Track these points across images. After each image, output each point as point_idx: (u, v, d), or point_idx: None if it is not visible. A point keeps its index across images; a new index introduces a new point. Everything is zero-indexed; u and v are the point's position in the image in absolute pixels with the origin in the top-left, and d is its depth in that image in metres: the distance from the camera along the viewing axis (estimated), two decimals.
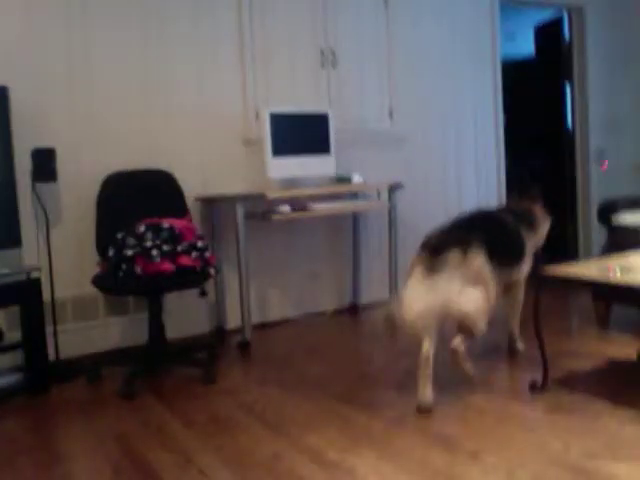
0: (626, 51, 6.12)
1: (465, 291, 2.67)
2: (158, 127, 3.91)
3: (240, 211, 3.67)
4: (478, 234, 2.82)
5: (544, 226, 3.39)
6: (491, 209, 3.35)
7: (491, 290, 2.74)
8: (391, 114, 4.82)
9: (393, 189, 4.25)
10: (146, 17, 3.84)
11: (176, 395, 3.00)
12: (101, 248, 3.39)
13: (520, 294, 3.30)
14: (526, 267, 3.22)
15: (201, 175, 4.05)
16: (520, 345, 3.34)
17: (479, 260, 2.73)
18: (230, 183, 4.14)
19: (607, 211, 3.82)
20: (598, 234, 5.72)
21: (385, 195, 4.34)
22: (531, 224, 3.29)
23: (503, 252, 2.95)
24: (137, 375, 3.20)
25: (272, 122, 3.88)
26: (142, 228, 3.27)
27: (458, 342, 2.69)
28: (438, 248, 2.72)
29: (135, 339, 3.84)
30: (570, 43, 6.01)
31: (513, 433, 2.35)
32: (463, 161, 5.22)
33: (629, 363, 3.07)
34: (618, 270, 2.64)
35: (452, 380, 2.92)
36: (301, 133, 4.03)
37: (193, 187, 3.97)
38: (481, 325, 2.69)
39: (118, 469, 2.26)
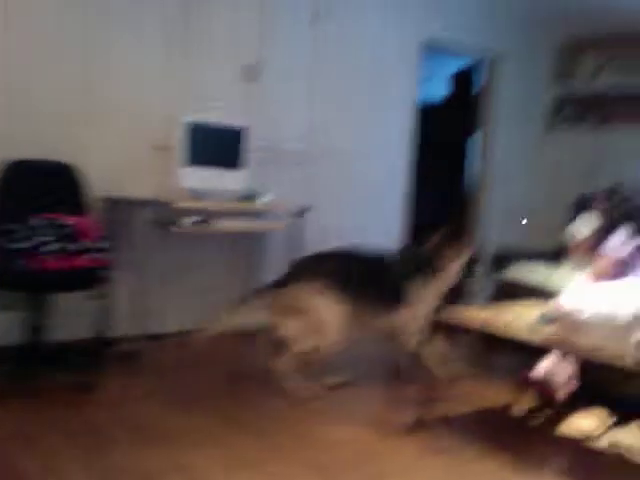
0: (530, 106, 6.44)
1: (288, 319, 3.05)
2: (71, 120, 3.77)
3: (145, 216, 3.59)
4: (322, 271, 3.12)
5: (452, 268, 3.40)
6: (365, 250, 3.37)
7: (319, 319, 3.01)
8: (308, 136, 4.86)
9: (301, 212, 4.28)
10: (69, 8, 3.72)
11: (50, 402, 2.87)
12: None
13: (410, 341, 3.28)
14: (410, 313, 3.23)
15: (109, 174, 3.92)
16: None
17: (309, 293, 3.05)
18: (138, 187, 4.02)
19: (498, 261, 4.00)
20: (485, 283, 5.96)
21: (293, 217, 4.36)
22: (426, 268, 3.32)
23: (360, 293, 3.11)
24: (8, 377, 3.02)
25: (188, 131, 3.83)
26: (39, 222, 3.14)
27: (281, 361, 3.04)
28: (281, 281, 3.17)
29: (14, 337, 3.62)
30: (482, 92, 6.28)
31: (388, 470, 2.40)
32: (372, 191, 5.32)
33: (503, 411, 3.20)
34: (504, 318, 2.77)
35: (334, 411, 2.95)
36: (216, 145, 4.01)
37: (100, 186, 3.83)
38: (300, 347, 3.02)
39: None
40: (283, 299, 3.09)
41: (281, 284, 3.16)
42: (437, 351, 3.23)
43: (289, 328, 3.03)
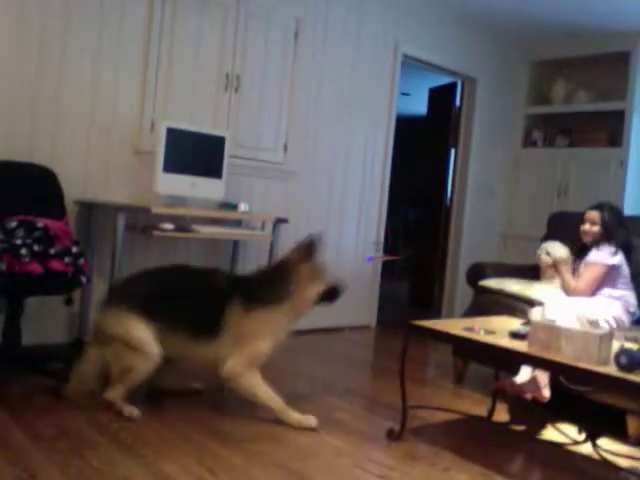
0: (505, 125, 6.58)
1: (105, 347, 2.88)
2: (46, 121, 3.72)
3: (121, 221, 3.54)
4: (131, 293, 2.93)
5: (306, 294, 2.99)
6: (196, 269, 3.18)
7: (129, 343, 2.81)
8: (285, 148, 4.87)
9: (278, 223, 4.28)
10: (48, 4, 3.67)
11: (24, 406, 2.81)
12: None
13: (249, 396, 2.87)
14: (235, 349, 2.84)
15: (84, 178, 3.88)
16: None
17: (106, 320, 2.89)
18: (114, 191, 3.99)
19: (475, 274, 4.04)
20: (462, 294, 6.04)
21: (270, 227, 4.35)
22: (269, 293, 2.93)
23: (172, 317, 2.87)
24: None
25: (167, 136, 3.80)
26: (13, 224, 3.09)
27: (107, 390, 2.86)
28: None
29: None
30: (460, 109, 6.39)
31: (368, 478, 2.40)
32: (347, 204, 5.35)
33: (479, 420, 3.22)
34: (482, 330, 2.79)
35: (320, 422, 2.93)
36: (195, 152, 3.98)
37: (74, 189, 3.78)
38: (115, 371, 2.85)
39: None
40: (97, 326, 2.95)
41: (102, 308, 2.99)
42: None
43: (107, 355, 2.87)
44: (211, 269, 3.24)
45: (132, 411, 2.78)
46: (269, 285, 2.95)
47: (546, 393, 3.05)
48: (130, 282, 3.04)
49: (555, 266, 3.68)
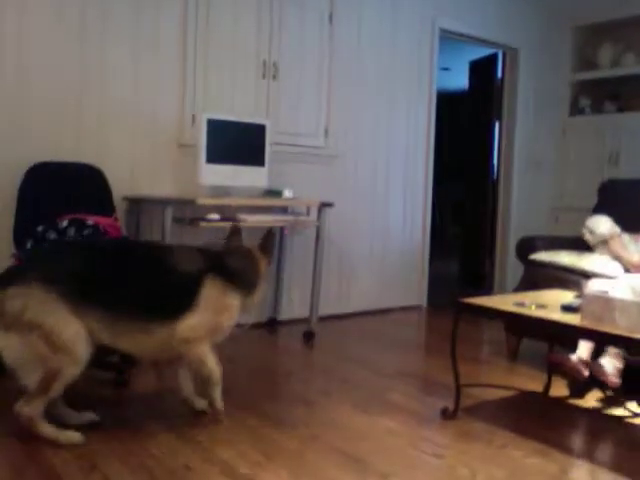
0: (550, 95, 6.42)
1: (9, 336, 2.29)
2: (91, 121, 3.80)
3: (168, 215, 3.60)
4: (39, 269, 2.38)
5: (261, 290, 2.79)
6: (145, 243, 2.89)
7: (50, 338, 2.28)
8: (326, 132, 4.86)
9: (323, 207, 4.28)
10: (86, 8, 3.73)
11: (84, 397, 2.90)
12: (18, 240, 3.25)
13: (196, 362, 2.57)
14: (192, 324, 2.50)
15: (131, 174, 3.96)
16: (199, 404, 2.76)
17: (14, 302, 2.28)
18: (160, 185, 4.07)
19: (526, 248, 3.97)
20: (513, 269, 5.95)
21: (315, 212, 4.36)
22: (249, 282, 2.72)
23: (117, 300, 2.42)
24: None
25: (209, 128, 3.84)
26: (65, 223, 3.17)
27: (21, 404, 2.33)
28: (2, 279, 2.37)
29: None
30: (502, 81, 6.27)
31: (423, 457, 2.40)
32: (392, 184, 5.32)
33: (535, 396, 3.18)
34: (533, 305, 2.75)
35: (367, 401, 2.95)
36: (237, 142, 4.01)
37: (121, 186, 3.86)
38: (31, 379, 2.31)
39: (20, 471, 2.16)
40: (5, 306, 2.28)
41: (3, 282, 2.34)
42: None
43: (12, 350, 2.28)
44: (167, 245, 2.94)
45: (70, 436, 2.38)
46: (242, 271, 2.70)
47: (615, 379, 2.96)
48: (61, 257, 2.47)
49: (602, 242, 3.59)
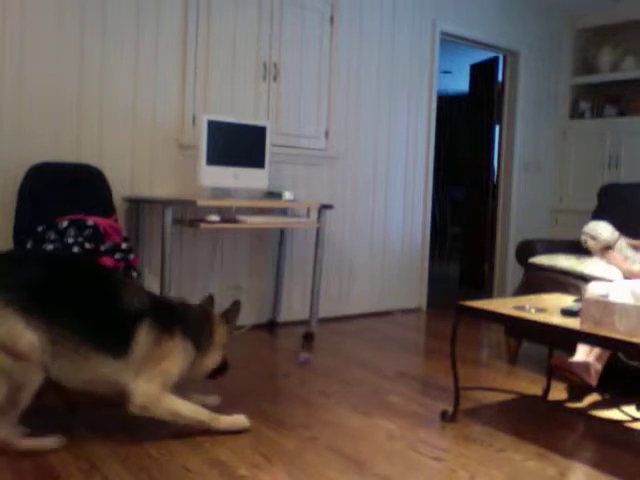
0: (551, 98, 6.44)
1: None
2: (91, 121, 3.80)
3: (168, 216, 3.60)
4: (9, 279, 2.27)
5: (215, 355, 2.68)
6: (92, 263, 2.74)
7: (9, 348, 2.19)
8: (327, 134, 4.86)
9: (323, 209, 4.28)
10: (86, 9, 3.74)
11: (84, 399, 2.89)
12: (18, 240, 3.25)
13: (169, 418, 2.44)
14: (143, 390, 2.39)
15: (131, 175, 3.96)
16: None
17: None
18: (160, 186, 4.07)
19: (525, 252, 3.97)
20: (513, 272, 5.96)
21: (315, 214, 4.36)
22: (198, 338, 2.59)
23: (66, 319, 2.31)
24: None
25: (209, 129, 3.84)
26: (65, 223, 3.17)
27: None
28: None
29: None
30: (502, 85, 6.28)
31: (422, 460, 2.40)
32: (392, 186, 5.33)
33: (534, 399, 3.19)
34: (532, 308, 2.75)
35: (366, 403, 2.95)
36: (237, 143, 4.01)
37: (122, 186, 3.87)
38: None
39: (19, 471, 2.16)
40: None
41: None
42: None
43: None
44: (108, 269, 2.82)
45: (50, 442, 2.32)
46: (193, 326, 2.59)
47: (593, 381, 2.98)
48: (15, 266, 2.37)
49: (604, 248, 3.59)
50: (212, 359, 2.67)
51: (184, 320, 2.55)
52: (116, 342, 2.37)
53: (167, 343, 2.45)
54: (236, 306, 2.82)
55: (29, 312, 2.22)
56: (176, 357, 2.48)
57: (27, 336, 2.21)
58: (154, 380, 2.40)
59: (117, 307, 2.40)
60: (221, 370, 2.76)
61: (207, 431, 2.52)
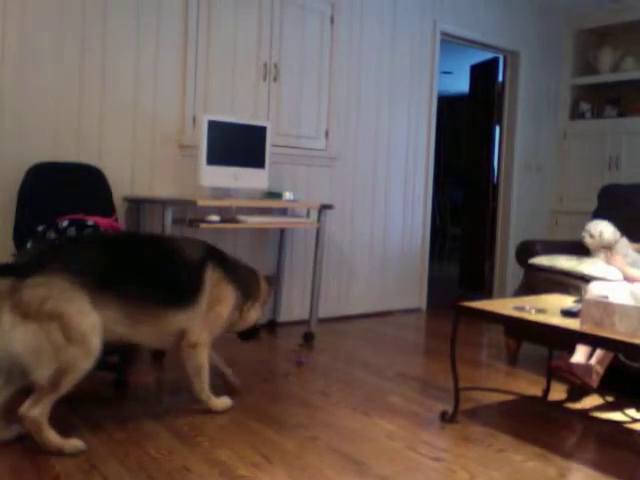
0: (551, 99, 6.44)
1: (16, 329, 2.19)
2: (91, 121, 3.80)
3: (168, 216, 3.60)
4: (60, 258, 2.33)
5: (256, 307, 2.94)
6: (154, 236, 2.88)
7: (67, 329, 2.24)
8: (327, 134, 4.86)
9: (323, 209, 4.28)
10: (87, 9, 3.74)
11: (84, 398, 2.90)
12: (18, 240, 3.25)
13: (194, 365, 2.70)
14: (198, 330, 2.66)
15: (131, 175, 3.96)
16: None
17: (36, 291, 2.22)
18: (160, 186, 4.07)
19: (525, 252, 3.97)
20: (512, 273, 5.96)
21: (315, 214, 4.36)
22: (247, 288, 2.86)
23: (131, 290, 2.46)
24: None
25: (210, 129, 3.84)
26: (65, 223, 3.16)
27: (28, 405, 2.24)
28: (22, 266, 2.30)
29: None
30: (503, 85, 6.28)
31: (422, 460, 2.40)
32: (392, 187, 5.33)
33: (534, 400, 3.18)
34: (532, 309, 2.75)
35: (366, 403, 2.95)
36: (237, 144, 4.01)
37: (122, 186, 3.87)
38: (44, 372, 2.22)
39: (19, 471, 2.16)
40: (24, 295, 2.20)
41: (22, 272, 2.26)
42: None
43: (27, 341, 2.19)
44: (172, 236, 3.01)
45: (75, 444, 2.32)
46: (242, 277, 2.86)
47: (594, 384, 2.97)
48: (79, 248, 2.45)
49: (605, 248, 3.59)
50: (253, 314, 2.91)
51: (237, 271, 2.82)
52: (187, 294, 2.61)
53: (224, 286, 2.73)
54: (276, 276, 3.15)
55: (99, 293, 2.34)
56: (229, 301, 2.75)
57: (92, 318, 2.30)
58: (208, 323, 2.68)
59: (182, 262, 2.63)
60: (253, 332, 3.01)
61: (204, 430, 2.51)
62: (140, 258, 2.57)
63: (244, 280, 2.86)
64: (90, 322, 2.30)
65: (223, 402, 2.82)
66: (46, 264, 2.30)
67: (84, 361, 2.29)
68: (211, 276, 2.69)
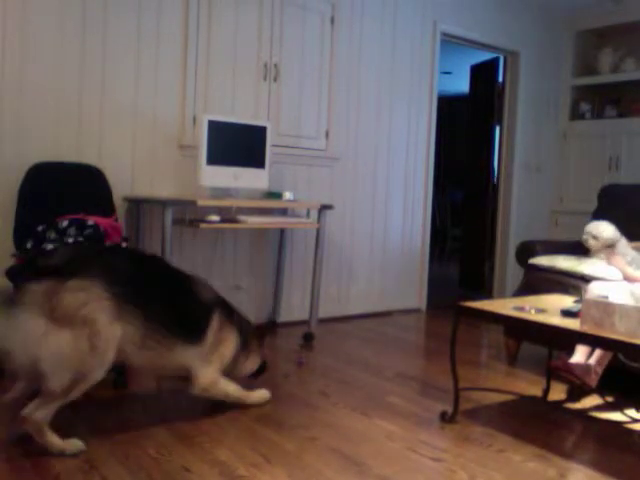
0: (551, 99, 6.44)
1: (50, 333, 2.16)
2: (91, 121, 3.80)
3: (168, 216, 3.59)
4: (98, 265, 2.33)
5: (250, 361, 2.96)
6: (168, 263, 2.83)
7: (95, 338, 2.23)
8: (327, 134, 4.86)
9: (323, 209, 4.28)
10: (87, 8, 3.74)
11: (84, 398, 2.89)
12: (18, 240, 3.25)
13: (213, 395, 2.72)
14: (209, 375, 2.66)
15: (131, 175, 3.96)
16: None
17: (76, 295, 2.21)
18: (160, 186, 4.07)
19: (525, 252, 3.97)
20: (512, 273, 5.96)
21: (315, 214, 4.36)
22: (245, 338, 2.89)
23: (153, 312, 2.44)
24: None
25: (210, 129, 3.84)
26: (65, 223, 3.16)
27: (33, 408, 2.21)
28: (60, 267, 2.27)
29: None
30: (503, 86, 6.28)
31: (421, 461, 2.40)
32: (392, 187, 5.32)
33: (534, 400, 3.18)
34: (532, 309, 2.75)
35: (366, 403, 2.95)
36: (237, 143, 4.01)
37: (122, 186, 3.87)
38: (61, 380, 2.20)
39: (18, 471, 2.16)
40: (64, 299, 2.18)
41: (63, 273, 2.24)
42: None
43: (57, 346, 2.16)
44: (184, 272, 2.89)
45: (75, 444, 2.31)
46: (242, 325, 2.91)
47: (594, 383, 2.97)
48: (116, 259, 2.46)
49: (606, 248, 3.59)
50: (253, 361, 2.96)
51: (237, 316, 2.88)
52: (195, 331, 2.61)
53: (227, 329, 2.76)
54: (266, 331, 3.34)
55: (126, 308, 2.32)
56: (231, 342, 2.78)
57: (116, 330, 2.29)
58: (213, 364, 2.68)
59: (196, 300, 2.65)
60: (261, 369, 3.06)
61: (204, 430, 2.51)
62: (164, 283, 2.58)
63: (243, 328, 2.90)
64: (114, 334, 2.29)
65: (260, 395, 2.91)
66: (86, 268, 2.29)
67: (99, 372, 2.29)
68: (217, 320, 2.72)
